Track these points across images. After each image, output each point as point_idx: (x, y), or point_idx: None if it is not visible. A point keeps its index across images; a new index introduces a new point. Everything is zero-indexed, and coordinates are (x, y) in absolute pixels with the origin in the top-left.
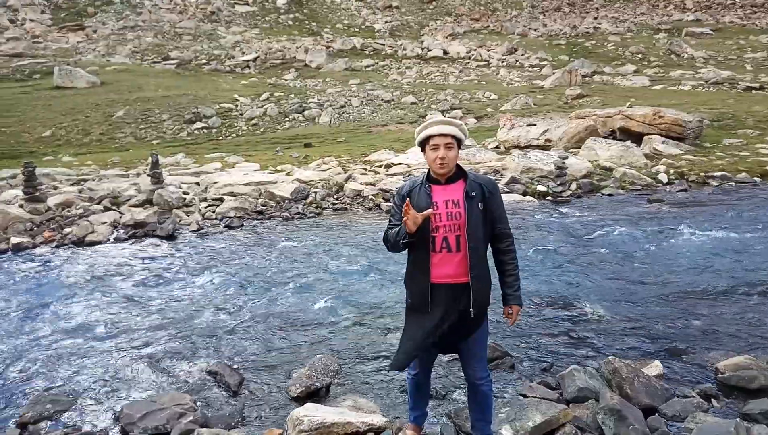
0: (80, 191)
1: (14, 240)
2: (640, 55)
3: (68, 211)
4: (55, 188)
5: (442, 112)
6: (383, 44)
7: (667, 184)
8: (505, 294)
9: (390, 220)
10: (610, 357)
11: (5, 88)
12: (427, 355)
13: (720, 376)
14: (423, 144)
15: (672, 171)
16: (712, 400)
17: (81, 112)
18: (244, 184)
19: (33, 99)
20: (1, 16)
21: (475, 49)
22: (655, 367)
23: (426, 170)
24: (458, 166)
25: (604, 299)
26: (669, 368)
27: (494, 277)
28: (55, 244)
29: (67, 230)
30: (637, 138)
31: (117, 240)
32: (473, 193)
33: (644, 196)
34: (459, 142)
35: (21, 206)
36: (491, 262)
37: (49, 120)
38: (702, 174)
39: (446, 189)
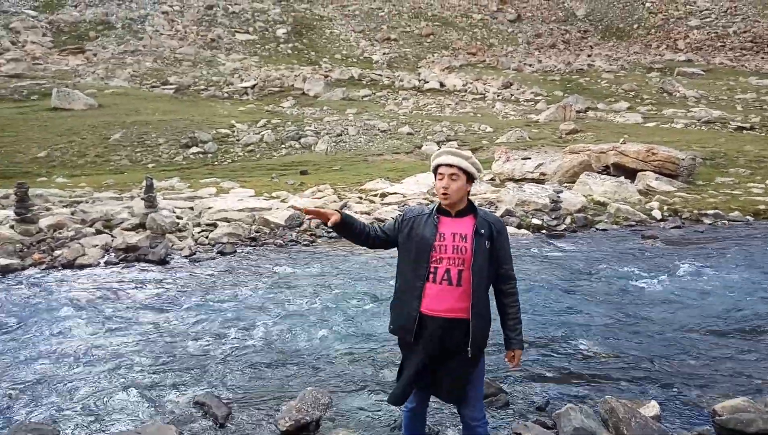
0: (73, 213)
1: (2, 262)
2: (633, 93)
3: (60, 233)
4: (48, 210)
5: (438, 143)
6: (381, 75)
7: (661, 220)
8: (507, 337)
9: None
10: (606, 396)
11: (3, 109)
12: (422, 391)
13: (717, 418)
14: (435, 172)
15: (665, 207)
16: None
17: (77, 133)
18: (238, 210)
19: (30, 119)
20: (2, 38)
21: (471, 83)
22: (651, 408)
23: (437, 199)
24: (470, 202)
25: (600, 336)
26: (666, 409)
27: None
28: (44, 266)
29: (57, 253)
30: (630, 174)
31: (108, 264)
32: (482, 231)
33: (638, 232)
34: (468, 175)
35: (12, 227)
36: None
37: (45, 141)
38: (695, 211)
39: (455, 222)
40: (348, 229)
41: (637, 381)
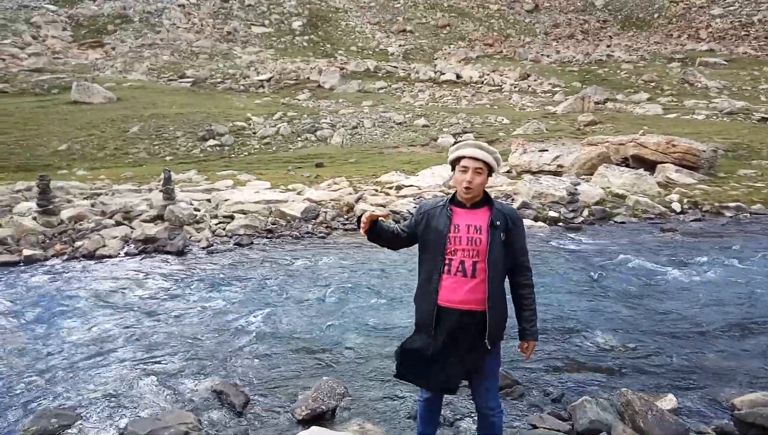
0: (93, 205)
1: (26, 252)
2: (653, 84)
3: (80, 225)
4: (69, 202)
5: (454, 135)
6: (396, 67)
7: (681, 213)
8: (522, 329)
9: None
10: (623, 389)
11: (25, 102)
12: (437, 382)
13: (736, 412)
14: (453, 164)
15: (686, 200)
16: None
17: (96, 127)
18: (254, 202)
19: (50, 113)
20: (24, 33)
21: (487, 74)
22: (669, 401)
23: (452, 191)
24: (485, 193)
25: (617, 329)
26: (683, 402)
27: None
28: (66, 257)
29: (78, 244)
30: (650, 166)
31: (127, 254)
32: (498, 223)
33: (657, 225)
34: (490, 169)
35: (34, 219)
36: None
37: (65, 134)
38: (716, 204)
39: (469, 213)
40: (379, 235)
41: (654, 374)
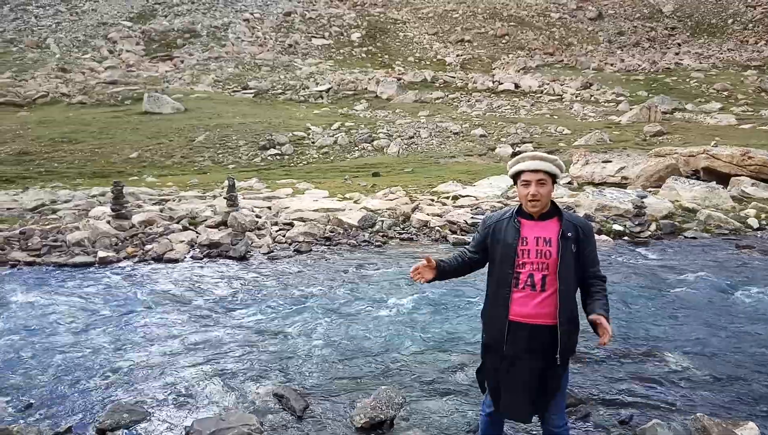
0: (161, 210)
1: (101, 254)
2: (726, 93)
3: (150, 229)
4: (140, 207)
5: (513, 145)
6: (454, 77)
7: (758, 229)
8: (592, 305)
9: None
10: (697, 414)
11: (101, 113)
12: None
13: None
14: (514, 178)
15: (763, 216)
16: None
17: (165, 135)
18: (313, 211)
19: (123, 123)
20: (102, 48)
21: (547, 83)
22: (749, 430)
23: (514, 203)
24: (553, 203)
25: (690, 350)
26: (766, 431)
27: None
28: (137, 259)
29: (148, 247)
30: (722, 179)
31: (193, 258)
32: (569, 234)
33: (732, 242)
34: (553, 177)
35: (108, 222)
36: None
37: (136, 142)
38: None
39: (538, 225)
40: (446, 274)
41: (730, 399)
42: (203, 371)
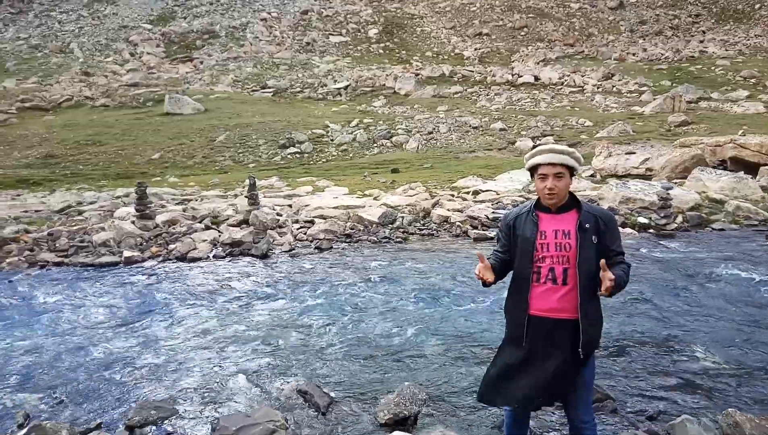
0: (184, 210)
1: (126, 253)
2: (753, 80)
3: (173, 229)
4: (163, 207)
5: (533, 138)
6: (472, 71)
7: None
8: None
9: (496, 244)
10: (729, 409)
11: (123, 115)
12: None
13: None
14: (531, 171)
15: None
16: None
17: (186, 136)
18: (333, 208)
19: (145, 124)
20: (123, 51)
21: (568, 75)
22: None
23: (534, 196)
24: (571, 195)
25: (721, 344)
26: None
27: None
28: (161, 258)
29: (171, 246)
30: (751, 169)
31: (216, 257)
32: (587, 225)
33: (762, 233)
34: (571, 170)
35: (133, 223)
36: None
37: (158, 143)
38: None
39: (556, 218)
40: (498, 275)
41: (763, 395)
42: (228, 368)
